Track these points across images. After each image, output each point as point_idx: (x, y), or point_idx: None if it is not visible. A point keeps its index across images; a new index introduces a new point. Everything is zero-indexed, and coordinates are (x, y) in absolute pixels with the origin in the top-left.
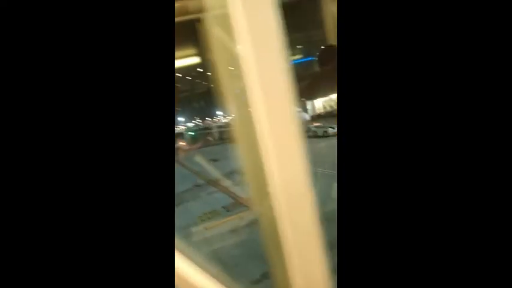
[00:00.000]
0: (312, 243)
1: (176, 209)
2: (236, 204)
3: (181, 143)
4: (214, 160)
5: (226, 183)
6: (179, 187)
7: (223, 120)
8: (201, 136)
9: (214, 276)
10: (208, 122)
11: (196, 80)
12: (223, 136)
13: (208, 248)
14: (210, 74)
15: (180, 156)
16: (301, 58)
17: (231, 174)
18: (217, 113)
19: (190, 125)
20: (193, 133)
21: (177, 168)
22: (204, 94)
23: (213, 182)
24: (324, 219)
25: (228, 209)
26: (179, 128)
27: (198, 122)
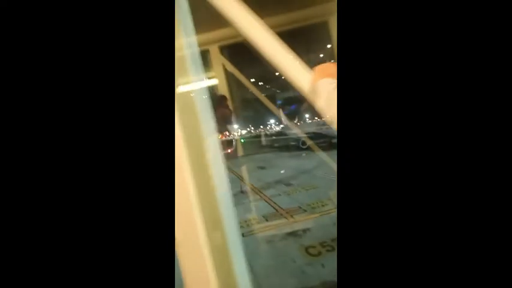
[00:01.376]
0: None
1: None
2: (276, 215)
3: (229, 150)
4: (262, 168)
5: (270, 192)
6: None
7: (275, 129)
8: (250, 143)
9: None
10: (261, 129)
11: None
12: (274, 144)
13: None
14: (262, 83)
15: (228, 162)
16: None
17: (276, 183)
18: (271, 121)
19: (243, 132)
20: (242, 140)
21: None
22: (257, 102)
23: (257, 190)
24: None
25: (267, 219)
26: (232, 135)
27: (251, 129)
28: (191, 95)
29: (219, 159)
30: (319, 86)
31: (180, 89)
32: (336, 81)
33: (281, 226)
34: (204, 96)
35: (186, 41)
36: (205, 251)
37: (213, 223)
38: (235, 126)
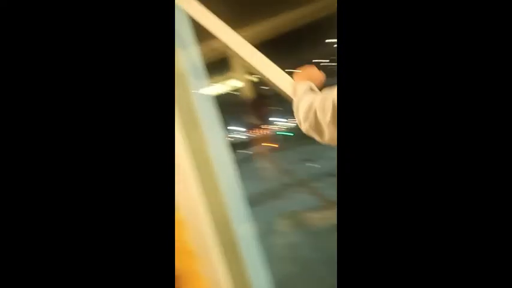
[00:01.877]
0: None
1: (259, 207)
2: (322, 207)
3: (272, 144)
4: (309, 160)
5: (316, 184)
6: (266, 185)
7: None
8: (297, 136)
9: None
10: None
11: None
12: None
13: (286, 248)
14: None
15: (271, 155)
16: None
17: (322, 176)
18: None
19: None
20: (292, 134)
21: (267, 167)
22: None
23: (301, 183)
24: None
25: (312, 211)
26: (275, 127)
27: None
28: (194, 106)
29: (228, 163)
30: (295, 89)
31: (180, 101)
32: (311, 83)
33: (327, 218)
34: (209, 106)
35: (185, 54)
36: (215, 253)
37: (221, 225)
38: (282, 120)
